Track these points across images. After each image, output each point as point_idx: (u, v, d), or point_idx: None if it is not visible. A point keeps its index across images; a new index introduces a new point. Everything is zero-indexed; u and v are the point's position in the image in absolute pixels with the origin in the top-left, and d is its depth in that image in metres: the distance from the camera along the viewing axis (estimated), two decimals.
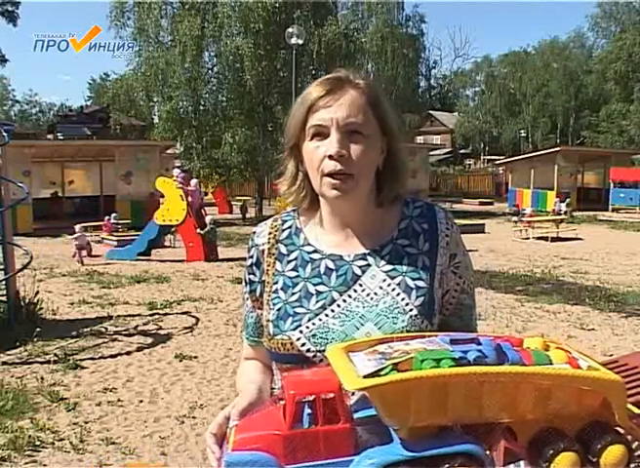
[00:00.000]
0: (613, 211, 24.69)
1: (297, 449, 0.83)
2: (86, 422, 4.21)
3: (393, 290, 1.16)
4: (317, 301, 1.17)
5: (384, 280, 1.17)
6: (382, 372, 0.82)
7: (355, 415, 0.89)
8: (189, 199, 11.96)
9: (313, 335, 1.14)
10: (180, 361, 5.64)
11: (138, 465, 3.59)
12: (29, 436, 3.92)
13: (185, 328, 6.89)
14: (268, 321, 1.20)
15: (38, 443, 3.86)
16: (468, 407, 0.82)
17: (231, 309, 7.80)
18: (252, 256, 1.29)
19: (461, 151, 53.06)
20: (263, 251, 1.27)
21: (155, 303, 8.05)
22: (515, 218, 19.26)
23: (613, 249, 14.03)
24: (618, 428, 0.87)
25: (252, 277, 1.29)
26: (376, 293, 1.16)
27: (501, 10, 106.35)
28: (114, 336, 6.51)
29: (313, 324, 1.15)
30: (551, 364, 0.87)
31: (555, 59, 49.73)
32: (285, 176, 1.27)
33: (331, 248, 1.22)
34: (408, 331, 1.09)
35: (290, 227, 1.28)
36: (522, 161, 27.30)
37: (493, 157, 43.38)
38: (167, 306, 7.94)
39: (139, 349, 6.04)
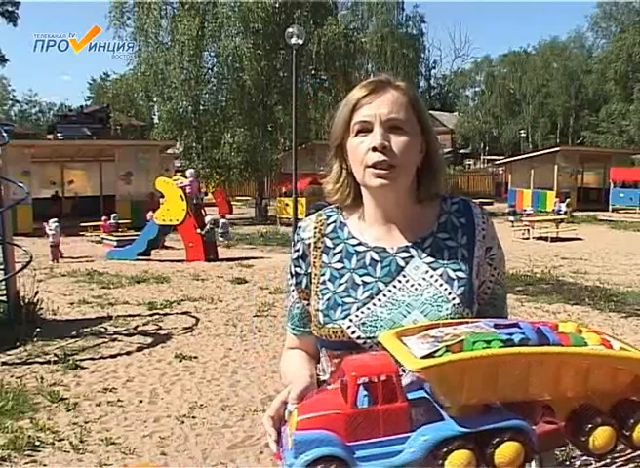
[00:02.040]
0: (613, 211, 24.71)
1: (358, 427, 0.88)
2: (86, 422, 4.21)
3: (436, 280, 1.23)
4: (364, 291, 1.23)
5: (427, 271, 1.24)
6: (437, 354, 0.88)
7: None
8: (187, 190, 11.93)
9: (363, 323, 1.20)
10: (180, 361, 5.64)
11: (137, 466, 3.59)
12: (29, 436, 3.92)
13: (185, 328, 6.89)
14: (318, 310, 1.26)
15: (38, 443, 3.86)
16: (516, 385, 0.89)
17: (231, 309, 7.80)
18: (298, 250, 1.34)
19: (461, 151, 53.03)
20: (310, 244, 1.32)
21: (155, 303, 8.05)
22: (512, 218, 19.33)
23: (613, 249, 14.03)
24: None
25: (298, 269, 1.34)
26: (419, 284, 1.22)
27: (501, 10, 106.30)
28: (114, 336, 6.51)
29: (362, 312, 1.21)
30: (587, 345, 0.94)
31: (555, 59, 49.71)
32: (330, 176, 1.34)
33: (374, 240, 1.28)
34: (452, 319, 1.15)
35: (334, 222, 1.34)
36: (522, 161, 27.33)
37: (493, 157, 43.38)
38: (167, 306, 7.94)
39: (139, 349, 6.04)
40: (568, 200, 21.88)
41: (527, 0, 67.04)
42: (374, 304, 1.21)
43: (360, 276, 1.25)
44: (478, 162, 50.66)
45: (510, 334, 0.90)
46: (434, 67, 57.62)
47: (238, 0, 20.84)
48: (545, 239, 15.71)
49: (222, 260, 11.98)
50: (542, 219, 17.97)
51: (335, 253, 1.30)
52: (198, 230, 11.82)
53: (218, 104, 22.43)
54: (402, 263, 1.25)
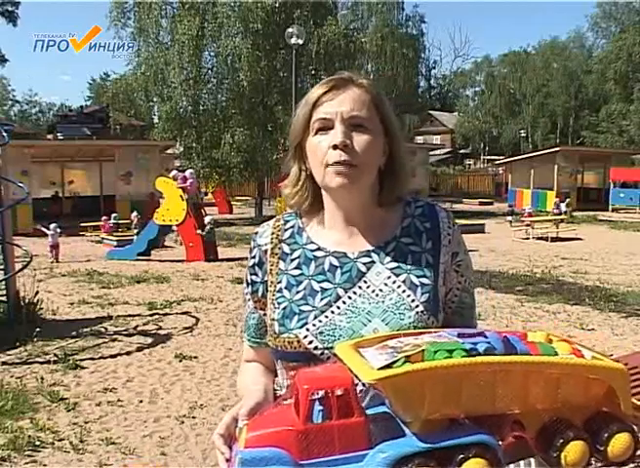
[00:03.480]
0: (613, 211, 24.70)
1: (311, 445, 0.83)
2: (86, 422, 4.21)
3: (399, 287, 1.17)
4: (322, 298, 1.17)
5: (389, 277, 1.18)
6: (395, 365, 0.83)
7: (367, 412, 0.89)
8: (184, 184, 11.94)
9: (320, 333, 1.13)
10: (180, 361, 5.64)
11: (137, 465, 3.59)
12: (29, 436, 3.92)
13: (185, 328, 6.88)
14: (274, 320, 1.20)
15: (38, 443, 3.86)
16: (481, 397, 0.84)
17: (231, 309, 7.80)
18: (254, 257, 1.29)
19: (461, 151, 53.06)
20: (266, 251, 1.26)
21: (155, 303, 8.05)
22: (510, 218, 19.40)
23: (613, 249, 14.02)
24: (622, 417, 0.90)
25: (254, 277, 1.28)
26: (381, 290, 1.16)
27: (501, 10, 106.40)
28: (114, 336, 6.51)
29: (320, 321, 1.15)
30: (557, 355, 0.89)
31: (555, 59, 49.74)
32: (288, 178, 1.28)
33: (334, 245, 1.22)
34: (415, 327, 1.10)
35: (292, 227, 1.28)
36: (522, 161, 27.32)
37: (493, 157, 43.38)
38: (167, 306, 7.94)
39: (139, 349, 6.03)
40: (568, 200, 21.86)
41: (527, 0, 67.16)
42: (332, 312, 1.15)
43: (319, 282, 1.18)
44: (478, 162, 50.69)
45: (475, 344, 0.85)
46: (434, 67, 57.72)
47: (238, 0, 20.85)
48: (545, 239, 15.70)
49: (222, 260, 11.97)
50: (543, 219, 17.95)
51: (292, 260, 1.23)
52: (198, 231, 11.82)
53: (217, 104, 22.43)
54: (363, 269, 1.18)
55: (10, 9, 40.97)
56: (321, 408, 0.83)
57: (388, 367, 0.83)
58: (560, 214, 19.45)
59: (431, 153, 35.23)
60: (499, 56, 56.36)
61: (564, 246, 14.77)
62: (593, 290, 8.96)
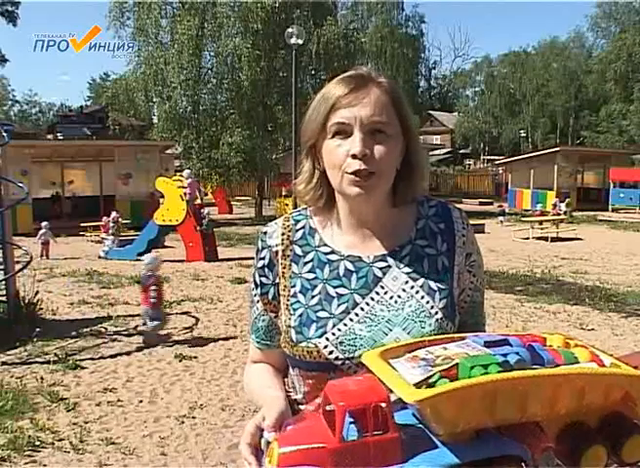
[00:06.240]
0: (613, 211, 24.71)
1: (347, 462, 0.81)
2: (86, 422, 4.21)
3: (417, 292, 1.15)
4: (339, 305, 1.14)
5: (407, 282, 1.16)
6: (431, 380, 0.82)
7: None
8: (187, 191, 11.95)
9: (341, 343, 1.10)
10: (180, 361, 5.64)
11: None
12: (29, 436, 3.92)
13: (185, 328, 6.89)
14: (290, 327, 1.16)
15: (38, 443, 3.86)
16: (514, 409, 0.84)
17: (231, 309, 7.80)
18: (263, 258, 1.24)
19: (461, 151, 53.04)
20: (277, 252, 1.22)
21: None
22: (501, 218, 19.47)
23: (613, 249, 14.03)
24: (637, 419, 0.91)
25: (264, 279, 1.24)
26: (399, 296, 1.14)
27: (501, 10, 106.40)
28: (114, 336, 6.50)
29: (339, 330, 1.12)
30: (578, 362, 0.90)
31: (555, 59, 49.74)
32: (302, 176, 1.24)
33: (348, 248, 1.19)
34: (435, 335, 1.08)
35: (303, 227, 1.24)
36: (522, 161, 27.30)
37: (493, 157, 43.37)
38: (167, 306, 7.92)
39: (138, 349, 6.03)
40: (568, 200, 21.87)
41: (527, 0, 67.19)
42: (350, 320, 1.12)
43: (334, 288, 1.15)
44: (478, 162, 50.67)
45: (505, 355, 0.85)
46: (434, 67, 57.82)
47: (238, 0, 20.85)
48: (545, 239, 15.70)
49: (222, 260, 11.97)
50: (543, 219, 17.96)
51: (305, 263, 1.19)
52: (198, 227, 11.81)
53: (217, 104, 22.44)
54: (379, 274, 1.16)
55: (10, 9, 40.93)
56: (356, 423, 0.81)
57: (424, 381, 0.82)
58: (560, 214, 19.47)
59: (431, 153, 35.28)
60: (499, 56, 56.39)
61: (564, 246, 14.77)
62: (593, 290, 8.96)
